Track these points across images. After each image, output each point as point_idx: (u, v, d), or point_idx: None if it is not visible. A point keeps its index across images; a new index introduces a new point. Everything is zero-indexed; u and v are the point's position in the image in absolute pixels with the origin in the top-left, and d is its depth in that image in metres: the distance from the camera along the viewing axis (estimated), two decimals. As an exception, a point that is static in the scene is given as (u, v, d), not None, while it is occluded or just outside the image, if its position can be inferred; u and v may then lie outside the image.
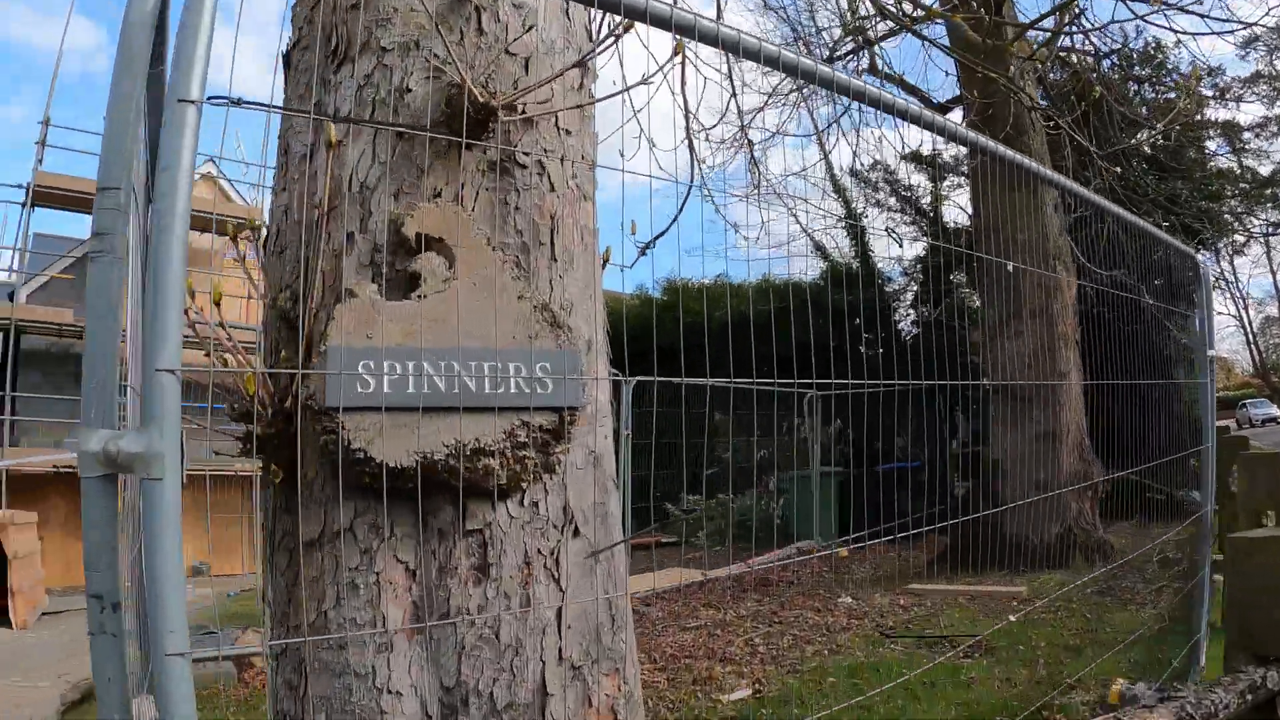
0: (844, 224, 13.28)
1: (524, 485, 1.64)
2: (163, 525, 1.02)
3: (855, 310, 12.40)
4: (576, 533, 1.75)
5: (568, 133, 1.87)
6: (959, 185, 13.92)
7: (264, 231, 1.77)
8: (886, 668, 5.55)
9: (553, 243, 1.76)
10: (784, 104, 10.44)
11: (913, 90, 11.56)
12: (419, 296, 1.54)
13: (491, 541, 1.63)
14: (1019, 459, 9.19)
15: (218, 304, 1.55)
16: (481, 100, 1.61)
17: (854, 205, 13.47)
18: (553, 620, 1.67)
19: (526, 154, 1.75)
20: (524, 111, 1.74)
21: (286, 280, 1.65)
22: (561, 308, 1.74)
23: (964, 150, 12.75)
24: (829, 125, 11.12)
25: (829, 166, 12.95)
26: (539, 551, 1.69)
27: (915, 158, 13.32)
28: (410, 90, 1.69)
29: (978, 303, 14.97)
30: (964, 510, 10.85)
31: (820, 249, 13.57)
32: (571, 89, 1.90)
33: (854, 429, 11.60)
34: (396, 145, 1.67)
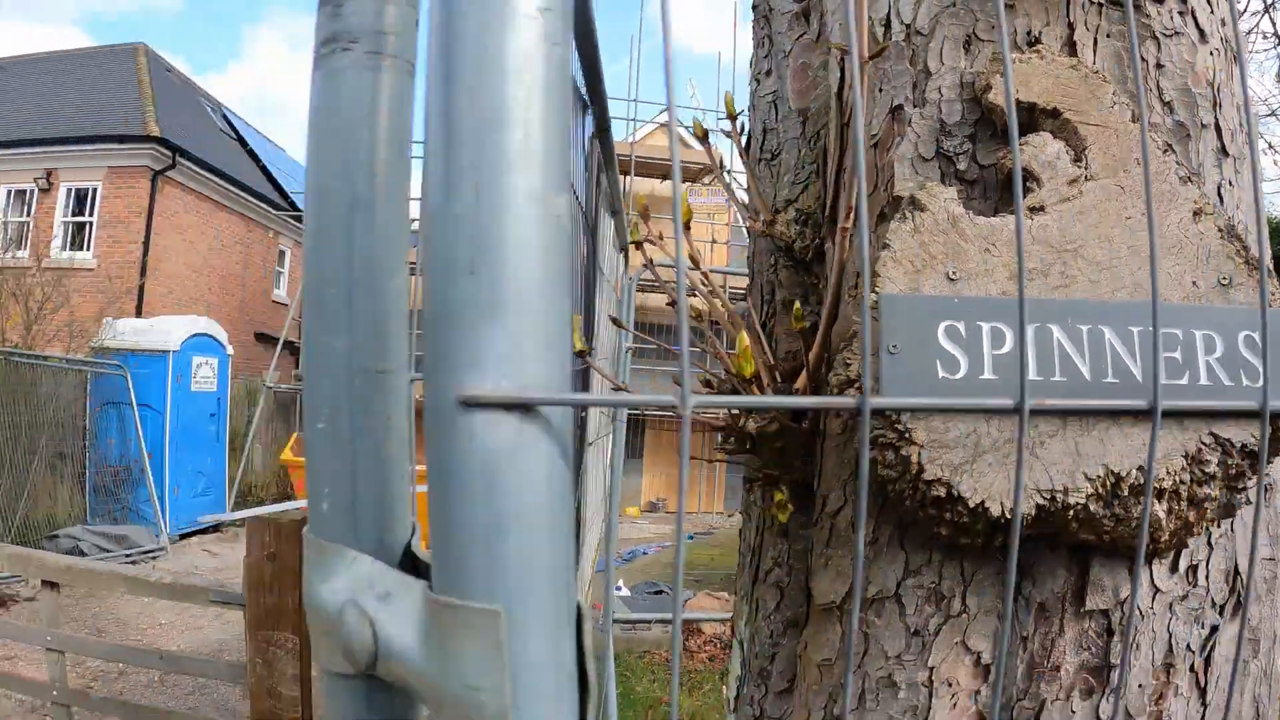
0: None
1: (1187, 542, 0.95)
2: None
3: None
4: (1237, 610, 1.04)
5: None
6: None
7: (745, 132, 1.21)
8: None
9: (1218, 125, 1.03)
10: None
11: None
12: (1033, 210, 0.90)
13: (1120, 629, 0.96)
14: None
15: (687, 226, 1.01)
16: None
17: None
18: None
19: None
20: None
21: (786, 195, 1.08)
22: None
23: None
24: None
25: None
26: (1188, 647, 1.00)
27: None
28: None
29: None
30: None
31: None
32: None
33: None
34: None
